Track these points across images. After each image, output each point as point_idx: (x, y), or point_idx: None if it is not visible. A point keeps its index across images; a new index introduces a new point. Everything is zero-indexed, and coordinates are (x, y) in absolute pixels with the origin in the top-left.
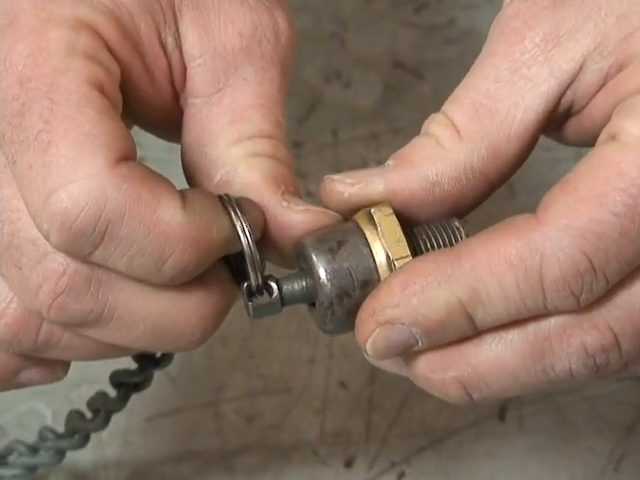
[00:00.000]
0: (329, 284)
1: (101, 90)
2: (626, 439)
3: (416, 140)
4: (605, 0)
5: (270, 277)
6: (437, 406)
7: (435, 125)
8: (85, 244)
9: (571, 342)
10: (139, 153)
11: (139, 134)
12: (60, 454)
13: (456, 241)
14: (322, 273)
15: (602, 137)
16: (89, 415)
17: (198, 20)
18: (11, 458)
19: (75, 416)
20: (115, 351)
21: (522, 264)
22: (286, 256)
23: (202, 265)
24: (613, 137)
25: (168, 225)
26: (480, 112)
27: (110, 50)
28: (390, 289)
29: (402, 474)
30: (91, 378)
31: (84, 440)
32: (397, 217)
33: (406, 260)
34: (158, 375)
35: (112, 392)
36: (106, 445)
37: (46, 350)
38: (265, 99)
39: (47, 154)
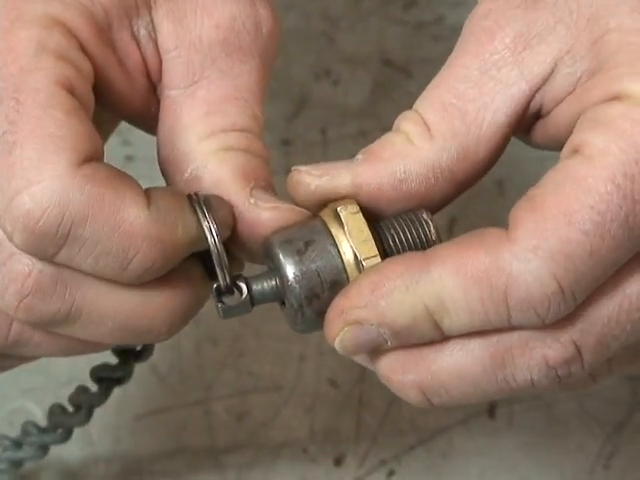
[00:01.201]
0: (297, 286)
1: (70, 90)
2: (615, 436)
3: (387, 136)
4: (576, 3)
5: (239, 277)
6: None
7: (406, 122)
8: (49, 245)
9: (533, 354)
10: (128, 151)
11: (129, 132)
12: (43, 448)
13: (424, 235)
14: (290, 275)
15: (565, 150)
16: (71, 410)
17: (173, 12)
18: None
19: (57, 410)
20: (88, 347)
21: (488, 281)
22: (255, 253)
23: (169, 264)
24: (576, 150)
25: (132, 225)
26: (450, 112)
27: (83, 47)
28: (359, 289)
29: (392, 472)
30: (81, 377)
31: (67, 435)
32: (363, 213)
33: (374, 260)
34: (148, 373)
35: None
36: (96, 443)
37: (18, 348)
38: (241, 91)
39: (11, 155)
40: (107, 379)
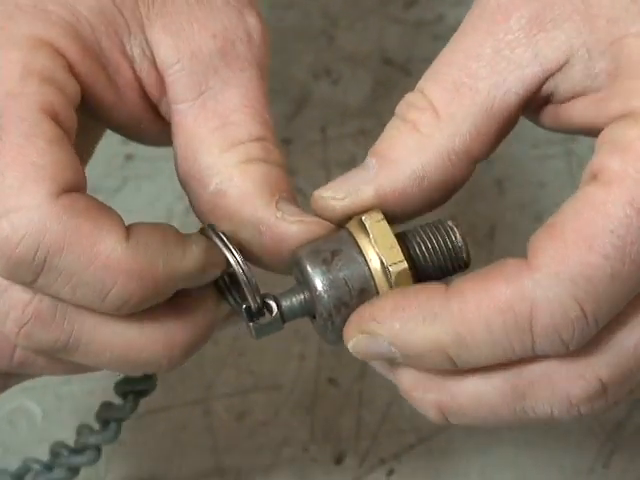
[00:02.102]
0: (326, 295)
1: (54, 116)
2: (615, 435)
3: (393, 129)
4: (595, 0)
5: (268, 295)
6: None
7: (412, 110)
8: (25, 273)
9: (555, 390)
10: (128, 150)
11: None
12: (74, 470)
13: (451, 242)
14: (318, 285)
15: (585, 176)
16: (97, 427)
17: (170, 27)
18: (27, 478)
19: (85, 430)
20: (93, 369)
21: (512, 310)
22: (281, 265)
23: (150, 298)
24: (595, 176)
25: (108, 258)
26: (461, 91)
27: (70, 65)
28: (382, 304)
29: (392, 471)
30: (81, 376)
31: (97, 454)
32: (388, 221)
33: (401, 265)
34: None
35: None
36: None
37: (23, 369)
38: (249, 100)
39: None
40: (133, 392)
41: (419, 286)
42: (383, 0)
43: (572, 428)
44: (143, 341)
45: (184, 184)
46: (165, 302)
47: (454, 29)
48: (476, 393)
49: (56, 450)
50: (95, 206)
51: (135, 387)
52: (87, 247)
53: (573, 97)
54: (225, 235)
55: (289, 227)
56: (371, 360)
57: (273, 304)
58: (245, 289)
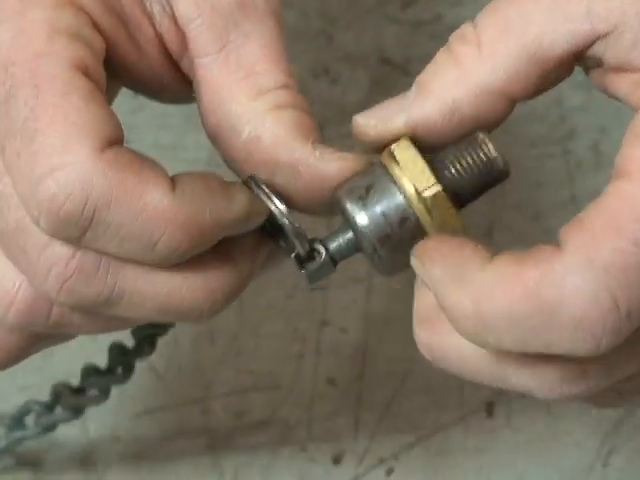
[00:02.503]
0: (367, 231)
1: (85, 72)
2: (614, 434)
3: (438, 59)
4: None
5: (315, 240)
6: (425, 402)
7: (459, 42)
8: (73, 229)
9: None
10: (129, 145)
11: (129, 132)
12: (78, 411)
13: (485, 155)
14: (358, 222)
15: (615, 171)
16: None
17: None
18: (28, 420)
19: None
20: (128, 324)
21: (539, 295)
22: (321, 207)
23: (196, 247)
24: (621, 170)
25: (155, 209)
26: (510, 30)
27: (94, 24)
28: (438, 244)
29: (391, 470)
30: (78, 374)
31: (104, 395)
32: (418, 147)
33: (435, 188)
34: (146, 371)
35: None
36: (94, 441)
37: (58, 329)
38: (270, 50)
39: (34, 142)
40: (149, 335)
41: (466, 240)
42: (381, 0)
43: (571, 427)
44: (185, 289)
45: (213, 137)
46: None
47: (451, 29)
48: (461, 353)
49: (58, 390)
50: (138, 159)
51: (152, 330)
52: (134, 200)
53: (621, 69)
54: (267, 185)
55: (329, 165)
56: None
57: (321, 247)
58: (292, 237)
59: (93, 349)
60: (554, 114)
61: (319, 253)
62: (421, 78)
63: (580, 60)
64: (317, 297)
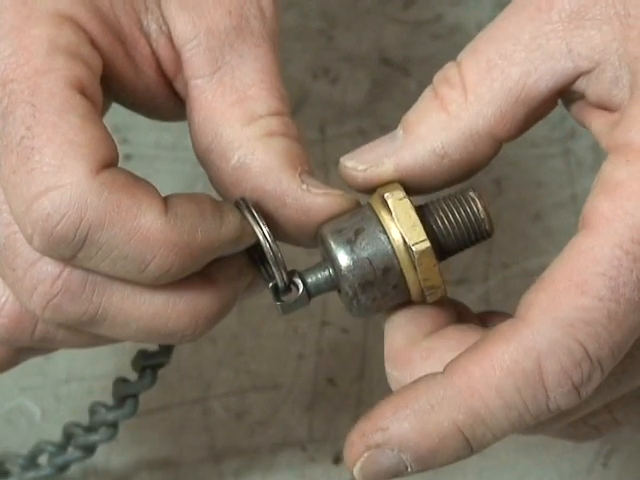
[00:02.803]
0: (351, 275)
1: (82, 91)
2: (614, 435)
3: (423, 102)
4: (634, 10)
5: (294, 273)
6: None
7: (444, 85)
8: (66, 249)
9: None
10: (127, 149)
11: (127, 131)
12: (90, 449)
13: (473, 213)
14: (343, 265)
15: (579, 224)
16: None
17: (186, 3)
18: (41, 460)
19: (99, 408)
20: (113, 340)
21: (519, 367)
22: (305, 239)
23: (187, 268)
24: (584, 223)
25: (149, 231)
26: (493, 73)
27: (92, 42)
28: (382, 411)
29: None
30: (80, 375)
31: (114, 431)
32: (407, 193)
33: (423, 244)
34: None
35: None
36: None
37: (43, 344)
38: (265, 74)
39: (30, 161)
40: (149, 366)
41: (414, 381)
42: (381, 0)
43: None
44: (169, 311)
45: (203, 159)
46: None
47: (452, 29)
48: None
49: (70, 430)
50: (133, 180)
51: (152, 361)
52: (127, 222)
53: (600, 106)
54: (256, 209)
55: (314, 199)
56: None
57: (299, 281)
58: (272, 266)
59: (94, 352)
60: (555, 114)
61: (296, 286)
62: (408, 120)
63: (563, 95)
64: (317, 297)
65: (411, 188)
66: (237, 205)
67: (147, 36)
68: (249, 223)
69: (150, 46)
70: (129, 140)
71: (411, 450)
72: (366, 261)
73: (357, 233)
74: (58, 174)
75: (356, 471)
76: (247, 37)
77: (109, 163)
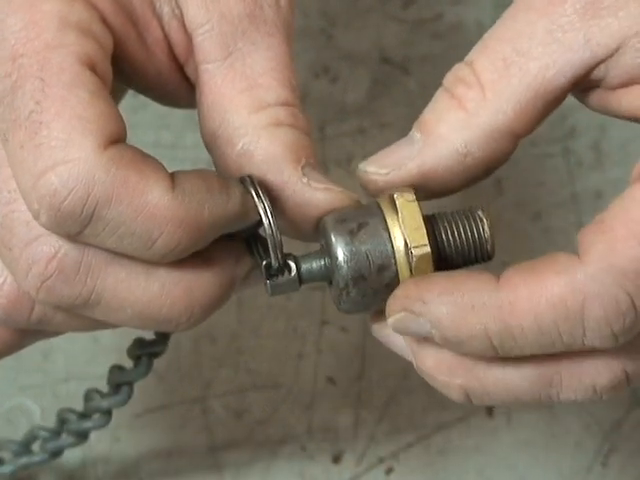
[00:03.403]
0: (345, 266)
1: (92, 68)
2: (614, 434)
3: (439, 104)
4: None
5: (289, 256)
6: (425, 402)
7: (460, 85)
8: (73, 224)
9: (582, 379)
10: None
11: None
12: (83, 435)
13: (477, 232)
14: (340, 254)
15: (633, 175)
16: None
17: None
18: (35, 446)
19: (94, 395)
20: (110, 325)
21: (563, 303)
22: (303, 231)
23: (194, 244)
24: (637, 177)
25: (156, 207)
26: (511, 70)
27: (104, 20)
28: (431, 285)
29: (390, 469)
30: (79, 374)
31: (107, 418)
32: (418, 199)
33: (424, 249)
34: None
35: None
36: (94, 441)
37: (41, 326)
38: (277, 64)
39: (38, 135)
40: (145, 355)
41: (468, 272)
42: None
43: (570, 427)
44: (164, 297)
45: (209, 144)
46: (186, 260)
47: (452, 28)
48: (504, 380)
49: (63, 416)
50: (141, 156)
51: (148, 349)
52: (135, 198)
53: (622, 85)
54: (259, 185)
55: (314, 194)
56: (406, 335)
57: (293, 264)
58: (270, 247)
59: (94, 350)
60: (555, 113)
61: (289, 270)
62: (425, 121)
63: (578, 85)
64: (317, 296)
65: (432, 190)
66: (242, 181)
67: (159, 19)
68: (252, 198)
69: (162, 29)
70: (128, 139)
71: (440, 331)
72: (363, 255)
73: (360, 226)
74: (66, 149)
75: (390, 321)
76: (260, 25)
77: (117, 139)
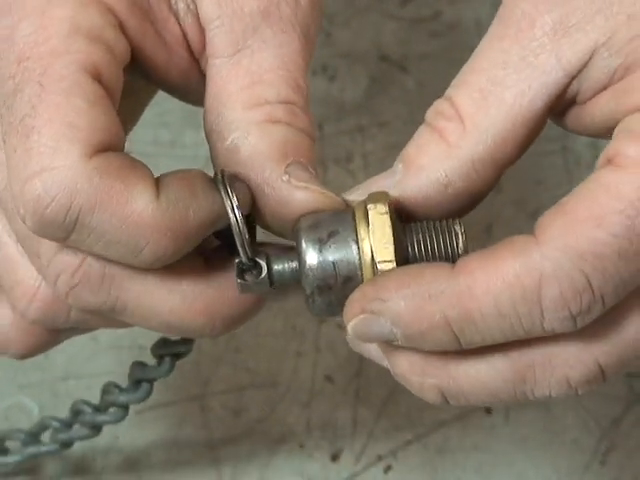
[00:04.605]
0: (312, 274)
1: (97, 76)
2: (612, 432)
3: (421, 137)
4: None
5: (261, 254)
6: (423, 400)
7: (440, 118)
8: (57, 230)
9: (555, 373)
10: (126, 146)
11: None
12: (96, 428)
13: (451, 247)
14: (307, 262)
15: (600, 161)
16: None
17: None
18: (44, 435)
19: (112, 389)
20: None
21: (520, 283)
22: (282, 229)
23: (183, 249)
24: (610, 161)
25: (140, 217)
26: (488, 100)
27: (120, 22)
28: (385, 283)
29: (389, 467)
30: (78, 372)
31: (124, 413)
32: (393, 212)
33: (389, 265)
34: None
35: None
36: (95, 438)
37: (79, 325)
38: (284, 62)
39: (29, 140)
40: (169, 355)
41: (423, 265)
42: None
43: (569, 425)
44: (185, 310)
45: (207, 137)
46: (206, 275)
47: (450, 26)
48: (477, 376)
49: (78, 407)
50: (127, 165)
51: (172, 350)
52: (118, 207)
53: (594, 95)
54: (229, 182)
55: (293, 192)
56: (369, 342)
57: (264, 265)
58: (238, 244)
59: (93, 349)
60: None
61: (260, 269)
62: (406, 153)
63: (556, 107)
64: None
65: (416, 218)
66: (214, 176)
67: (176, 15)
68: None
69: (179, 25)
70: (127, 137)
71: (401, 327)
72: (330, 265)
73: (330, 235)
74: (52, 156)
75: (350, 327)
76: (274, 22)
77: (107, 148)
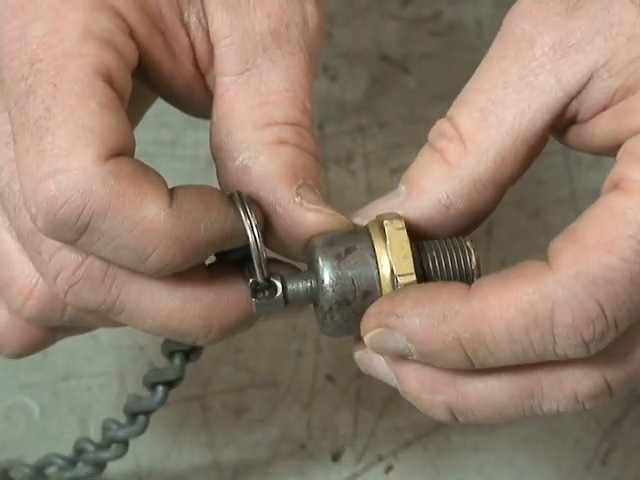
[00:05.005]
0: (330, 290)
1: (109, 80)
2: (613, 432)
3: (423, 158)
4: (617, 18)
5: (275, 275)
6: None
7: (441, 139)
8: (68, 232)
9: (562, 388)
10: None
11: None
12: (100, 466)
13: (464, 263)
14: (326, 278)
15: (606, 185)
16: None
17: (227, 1)
18: (48, 472)
19: (111, 425)
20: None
21: (534, 310)
22: (292, 251)
23: (190, 261)
24: (616, 185)
25: (151, 223)
26: (488, 120)
27: (130, 29)
28: (402, 299)
29: (390, 468)
30: (78, 372)
31: (124, 448)
32: (408, 230)
33: (409, 278)
34: (145, 369)
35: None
36: (95, 439)
37: (75, 324)
38: (292, 83)
39: (43, 141)
40: (162, 383)
41: (440, 284)
42: None
43: (570, 425)
44: (183, 313)
45: (214, 155)
46: (208, 280)
47: (451, 26)
48: (486, 394)
49: (80, 446)
50: (141, 171)
51: (163, 379)
52: (131, 212)
53: (594, 115)
54: (247, 202)
55: (305, 214)
56: (383, 354)
57: (279, 284)
58: (255, 264)
59: (93, 349)
60: None
61: (275, 289)
62: (409, 175)
63: (556, 126)
64: None
65: (421, 238)
66: (231, 197)
67: (187, 28)
68: (239, 215)
69: (189, 38)
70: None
71: (415, 344)
72: (349, 280)
73: (348, 251)
74: (67, 158)
75: (366, 340)
76: (283, 43)
77: (121, 152)
